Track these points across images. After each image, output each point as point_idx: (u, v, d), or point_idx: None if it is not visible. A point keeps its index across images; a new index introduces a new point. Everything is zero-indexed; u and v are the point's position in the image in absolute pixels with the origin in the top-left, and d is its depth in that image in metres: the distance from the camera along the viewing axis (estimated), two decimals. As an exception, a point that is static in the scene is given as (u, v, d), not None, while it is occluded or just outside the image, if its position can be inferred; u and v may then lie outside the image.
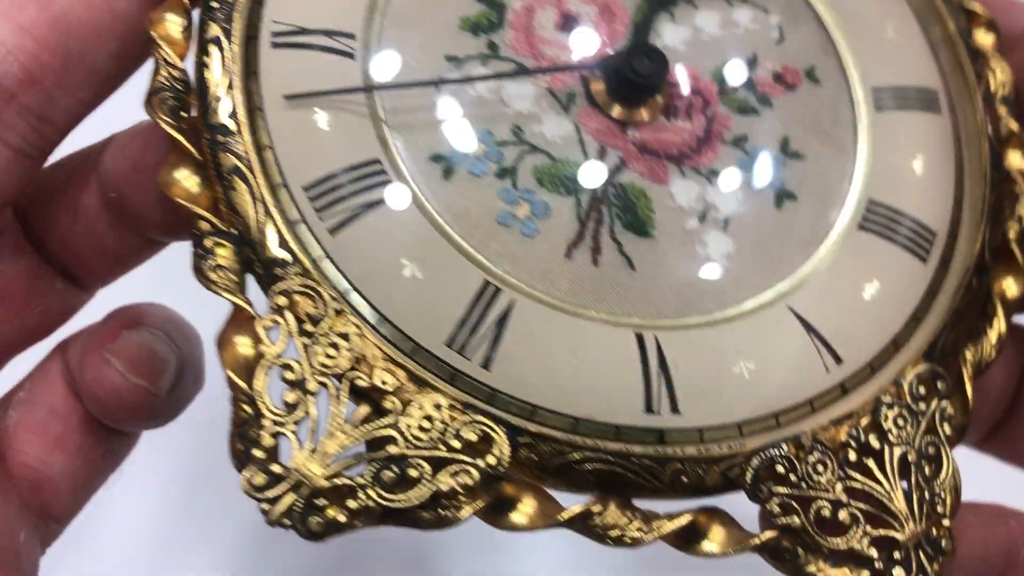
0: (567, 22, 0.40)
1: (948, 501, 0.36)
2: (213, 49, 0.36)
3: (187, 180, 0.35)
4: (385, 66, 0.38)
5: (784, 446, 0.35)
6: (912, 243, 0.39)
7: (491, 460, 0.33)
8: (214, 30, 0.36)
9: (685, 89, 0.40)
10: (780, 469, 0.35)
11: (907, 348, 0.38)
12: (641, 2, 0.41)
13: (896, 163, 0.41)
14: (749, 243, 0.38)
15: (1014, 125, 0.43)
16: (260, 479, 0.31)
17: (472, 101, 0.38)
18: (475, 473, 0.33)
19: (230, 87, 0.35)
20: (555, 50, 0.40)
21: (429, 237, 0.35)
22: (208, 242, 0.34)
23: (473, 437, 0.33)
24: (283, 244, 0.34)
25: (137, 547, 0.58)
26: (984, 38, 0.44)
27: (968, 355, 0.39)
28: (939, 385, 0.37)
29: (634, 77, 0.38)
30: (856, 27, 0.42)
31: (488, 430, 0.33)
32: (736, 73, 0.41)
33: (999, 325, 0.39)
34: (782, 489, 0.35)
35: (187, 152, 0.35)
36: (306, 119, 0.36)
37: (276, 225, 0.34)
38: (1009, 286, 0.40)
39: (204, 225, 0.34)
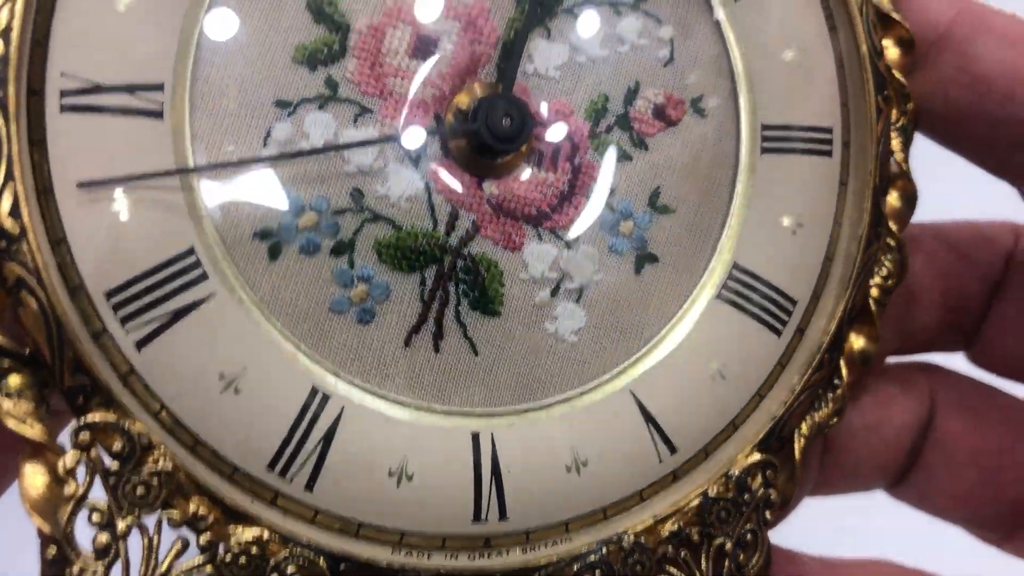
0: (423, 46, 0.34)
1: None
2: None
3: None
4: (200, 122, 0.32)
5: (604, 550, 0.36)
6: (769, 315, 0.38)
7: (311, 590, 0.33)
8: None
9: (553, 135, 0.36)
10: (599, 574, 0.36)
11: (745, 427, 0.38)
12: (514, 14, 0.35)
13: (767, 219, 0.38)
14: (602, 315, 0.36)
15: (903, 162, 0.39)
16: (70, 626, 0.31)
17: (306, 158, 0.33)
18: None
19: (9, 176, 0.30)
20: (405, 84, 0.34)
21: (249, 343, 0.32)
22: None
23: (293, 569, 0.32)
24: (80, 368, 0.31)
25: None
26: (894, 53, 0.39)
27: (804, 428, 0.39)
28: (768, 474, 0.38)
29: (493, 143, 0.34)
30: (755, 49, 0.37)
31: (308, 561, 0.33)
32: (612, 108, 0.36)
33: (840, 392, 0.39)
34: None
35: None
36: (105, 210, 0.31)
37: (74, 345, 0.30)
38: (857, 340, 0.39)
39: None
